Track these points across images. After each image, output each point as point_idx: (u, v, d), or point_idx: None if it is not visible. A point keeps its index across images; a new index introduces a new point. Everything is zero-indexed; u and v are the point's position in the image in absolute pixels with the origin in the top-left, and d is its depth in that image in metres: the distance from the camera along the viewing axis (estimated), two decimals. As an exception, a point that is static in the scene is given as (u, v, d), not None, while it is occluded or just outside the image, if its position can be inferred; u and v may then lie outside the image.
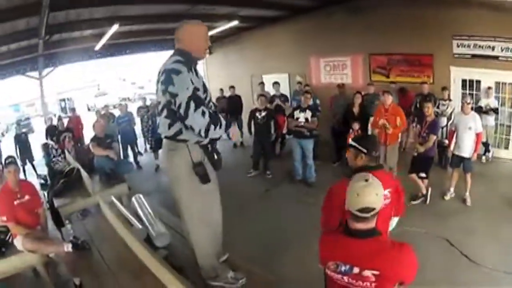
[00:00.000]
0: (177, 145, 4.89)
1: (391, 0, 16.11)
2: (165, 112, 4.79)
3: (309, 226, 6.13)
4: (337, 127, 15.16)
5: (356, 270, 3.85)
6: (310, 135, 13.01)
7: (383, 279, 3.76)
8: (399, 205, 5.14)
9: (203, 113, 4.64)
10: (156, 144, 17.35)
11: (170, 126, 4.82)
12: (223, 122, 4.96)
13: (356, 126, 13.31)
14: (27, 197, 7.98)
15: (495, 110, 14.23)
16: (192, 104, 4.58)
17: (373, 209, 3.77)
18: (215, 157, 5.33)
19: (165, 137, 5.01)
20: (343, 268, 3.92)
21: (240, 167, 15.35)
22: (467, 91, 15.29)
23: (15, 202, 7.78)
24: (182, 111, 4.57)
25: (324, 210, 5.17)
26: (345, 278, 3.95)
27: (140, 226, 6.90)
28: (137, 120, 19.74)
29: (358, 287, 3.90)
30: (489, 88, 14.40)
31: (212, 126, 4.72)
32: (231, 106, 19.89)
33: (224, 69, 27.28)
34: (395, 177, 5.01)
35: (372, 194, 3.76)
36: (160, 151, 6.26)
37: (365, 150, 4.96)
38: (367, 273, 3.78)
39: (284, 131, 16.28)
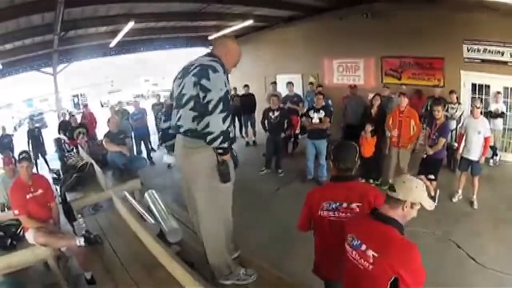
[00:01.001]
0: (198, 143, 4.88)
1: (404, 4, 16.13)
2: (191, 104, 4.79)
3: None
4: (347, 128, 15.17)
5: (363, 247, 4.07)
6: (324, 135, 13.04)
7: (379, 263, 3.92)
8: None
9: (225, 120, 4.67)
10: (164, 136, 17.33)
11: (194, 119, 4.82)
12: (232, 141, 5.00)
13: (369, 127, 13.27)
14: (40, 191, 8.03)
15: (502, 115, 14.22)
16: (220, 106, 4.61)
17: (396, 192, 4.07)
18: (235, 155, 5.40)
19: (185, 131, 5.00)
20: (354, 243, 4.18)
21: (252, 165, 15.35)
22: (477, 95, 15.31)
23: (28, 196, 7.84)
24: (210, 107, 4.59)
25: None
26: (353, 252, 4.21)
27: (153, 222, 6.92)
28: (151, 117, 19.91)
29: (359, 264, 4.11)
30: (498, 92, 14.40)
31: (222, 138, 4.75)
32: (244, 105, 19.94)
33: (237, 68, 27.24)
34: (372, 189, 5.03)
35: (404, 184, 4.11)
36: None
37: (332, 159, 5.09)
38: (370, 252, 3.99)
39: (297, 131, 16.32)
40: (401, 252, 3.79)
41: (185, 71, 4.92)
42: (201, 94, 4.59)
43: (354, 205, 4.87)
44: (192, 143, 4.92)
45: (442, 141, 11.25)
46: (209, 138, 4.63)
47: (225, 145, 4.74)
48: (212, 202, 5.17)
